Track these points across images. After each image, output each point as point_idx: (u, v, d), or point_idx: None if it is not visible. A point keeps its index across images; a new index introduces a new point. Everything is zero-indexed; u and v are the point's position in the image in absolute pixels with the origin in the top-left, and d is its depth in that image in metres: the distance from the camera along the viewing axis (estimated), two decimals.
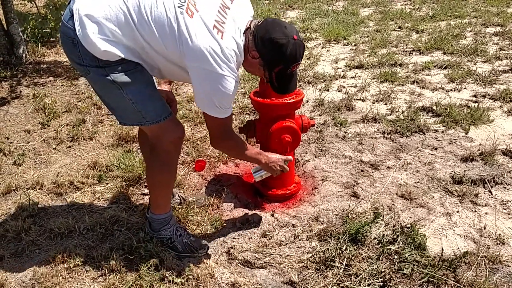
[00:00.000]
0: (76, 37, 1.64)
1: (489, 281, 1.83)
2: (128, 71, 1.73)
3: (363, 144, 3.03)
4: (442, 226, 2.21)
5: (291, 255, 2.04)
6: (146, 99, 1.81)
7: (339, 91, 3.94)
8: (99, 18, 1.63)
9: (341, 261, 1.95)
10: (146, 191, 2.56)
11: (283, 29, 1.77)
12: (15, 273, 1.99)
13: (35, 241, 2.17)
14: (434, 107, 3.44)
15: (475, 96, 3.69)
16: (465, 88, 3.87)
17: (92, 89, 1.90)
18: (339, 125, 3.28)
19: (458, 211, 2.33)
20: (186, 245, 2.06)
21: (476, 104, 3.46)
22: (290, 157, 2.24)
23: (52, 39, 4.89)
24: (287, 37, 1.76)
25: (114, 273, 1.93)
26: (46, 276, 1.92)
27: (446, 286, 1.83)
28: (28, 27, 4.59)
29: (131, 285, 1.87)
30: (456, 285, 1.83)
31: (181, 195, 2.44)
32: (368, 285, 1.84)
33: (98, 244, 2.13)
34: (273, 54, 1.78)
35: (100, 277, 1.94)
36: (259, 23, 1.81)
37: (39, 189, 2.58)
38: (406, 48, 5.08)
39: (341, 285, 1.85)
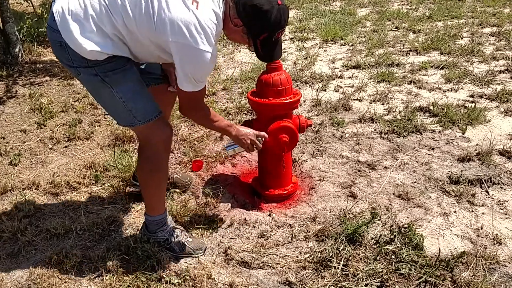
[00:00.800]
0: (62, 39, 1.65)
1: (486, 281, 1.83)
2: (117, 69, 1.73)
3: (360, 144, 3.03)
4: (439, 226, 2.22)
5: (288, 256, 2.04)
6: (136, 97, 1.80)
7: (336, 91, 3.94)
8: (78, 13, 1.63)
9: (338, 261, 1.95)
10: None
11: None
12: (11, 274, 1.98)
13: (31, 241, 2.16)
14: (431, 107, 3.45)
15: (472, 96, 3.70)
16: (462, 88, 3.87)
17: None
18: (336, 125, 3.29)
19: (455, 211, 2.33)
20: (183, 246, 2.05)
21: (473, 104, 3.46)
22: (263, 133, 2.17)
23: (48, 38, 4.87)
24: (271, 3, 1.71)
25: (111, 274, 1.93)
26: (42, 277, 1.91)
27: (443, 286, 1.83)
28: (24, 26, 4.57)
29: (128, 285, 1.86)
30: (453, 285, 1.83)
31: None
32: (366, 285, 1.84)
33: (94, 245, 2.12)
34: (257, 22, 1.74)
35: (96, 278, 1.93)
36: None
37: (35, 189, 2.56)
38: (403, 48, 5.09)
39: (338, 285, 1.85)
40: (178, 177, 2.54)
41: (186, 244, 2.05)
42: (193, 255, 2.04)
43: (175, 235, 2.06)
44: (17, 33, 4.09)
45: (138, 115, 1.81)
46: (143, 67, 2.07)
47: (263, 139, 2.18)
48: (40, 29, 4.70)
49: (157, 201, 2.02)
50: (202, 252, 2.06)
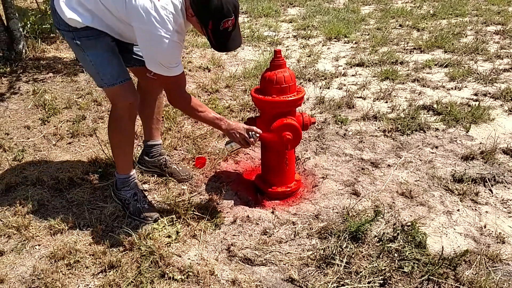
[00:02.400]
0: (54, 5, 1.98)
1: (489, 279, 1.83)
2: (91, 36, 2.00)
3: (364, 142, 3.03)
4: (442, 225, 2.21)
5: (291, 253, 2.04)
6: (104, 62, 2.06)
7: (339, 89, 3.93)
8: None
9: (341, 259, 1.95)
10: (145, 187, 2.56)
11: None
12: (15, 269, 1.99)
13: (35, 237, 2.17)
14: (435, 106, 3.44)
15: (475, 94, 3.69)
16: (466, 86, 3.86)
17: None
18: (339, 123, 3.28)
19: (458, 210, 2.33)
20: (137, 209, 2.27)
21: (477, 103, 3.45)
22: (255, 128, 2.20)
23: (52, 35, 4.87)
24: None
25: (114, 270, 1.93)
26: (46, 272, 1.92)
27: (446, 284, 1.83)
28: (28, 22, 4.57)
29: (131, 281, 1.87)
30: (456, 283, 1.83)
31: (167, 159, 2.65)
32: (368, 283, 1.84)
33: (98, 241, 2.13)
34: (201, 10, 1.88)
35: (100, 274, 1.94)
36: None
37: (39, 185, 2.57)
38: (407, 46, 5.07)
39: (341, 282, 1.85)
40: (177, 169, 2.64)
41: (140, 208, 2.27)
42: (143, 221, 2.24)
43: (135, 198, 2.30)
44: (21, 29, 4.09)
45: (105, 78, 2.07)
46: (132, 48, 2.29)
47: (256, 134, 2.20)
48: (43, 26, 4.70)
49: (121, 161, 2.30)
50: (152, 220, 2.23)
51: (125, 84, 2.10)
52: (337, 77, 4.22)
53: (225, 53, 4.52)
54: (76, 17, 1.94)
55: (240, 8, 1.95)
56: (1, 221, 2.28)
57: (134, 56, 2.29)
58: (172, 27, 1.87)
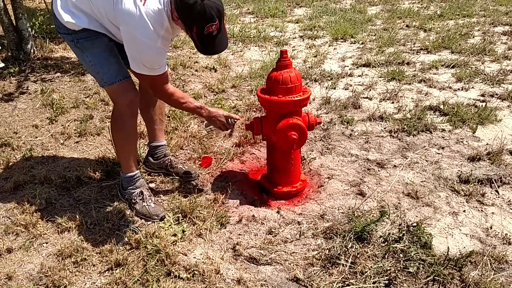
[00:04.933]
0: (53, 9, 2.06)
1: (494, 280, 1.82)
2: (88, 37, 2.06)
3: (370, 143, 3.02)
4: (448, 225, 2.21)
5: (296, 252, 2.05)
6: (103, 61, 2.11)
7: (346, 89, 3.93)
8: None
9: (346, 259, 1.95)
10: (152, 185, 2.58)
11: None
12: (23, 266, 2.01)
13: (43, 235, 2.19)
14: (442, 106, 3.43)
15: (482, 95, 3.67)
16: (472, 87, 3.85)
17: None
18: (345, 123, 3.28)
19: (464, 211, 2.32)
20: (144, 209, 2.30)
21: (483, 104, 3.44)
22: (234, 115, 2.33)
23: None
24: None
25: (121, 268, 1.95)
26: (53, 270, 1.94)
27: (452, 285, 1.83)
28: (37, 23, 4.61)
29: (138, 279, 1.88)
30: (461, 284, 1.83)
31: (172, 159, 2.68)
32: (374, 283, 1.84)
33: (105, 239, 2.15)
34: (185, 15, 1.91)
35: (106, 271, 1.96)
36: None
37: (47, 184, 2.60)
38: (414, 47, 5.06)
39: (346, 282, 1.86)
40: (183, 168, 2.65)
41: (147, 207, 2.30)
42: (149, 219, 2.27)
43: (141, 197, 2.33)
44: (29, 29, 4.13)
45: (105, 77, 2.13)
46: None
47: (234, 120, 2.33)
48: (52, 26, 4.73)
49: (125, 160, 2.33)
50: (158, 219, 2.27)
51: (124, 82, 2.15)
52: (343, 77, 4.21)
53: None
54: (73, 20, 2.00)
55: (224, 11, 2.00)
56: (10, 219, 2.31)
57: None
58: (157, 33, 1.91)
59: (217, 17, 1.91)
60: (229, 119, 2.32)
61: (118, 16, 1.92)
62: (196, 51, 4.89)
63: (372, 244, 2.04)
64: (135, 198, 2.34)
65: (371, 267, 1.91)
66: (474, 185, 2.50)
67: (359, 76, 4.26)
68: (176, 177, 2.63)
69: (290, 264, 1.98)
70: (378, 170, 2.71)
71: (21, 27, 4.03)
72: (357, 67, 4.48)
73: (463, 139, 3.01)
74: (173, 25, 1.99)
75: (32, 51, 4.19)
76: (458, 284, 1.83)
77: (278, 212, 2.34)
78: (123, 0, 1.88)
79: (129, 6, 1.87)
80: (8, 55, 4.12)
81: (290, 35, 5.79)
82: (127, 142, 2.30)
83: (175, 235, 2.15)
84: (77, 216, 2.29)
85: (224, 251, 2.07)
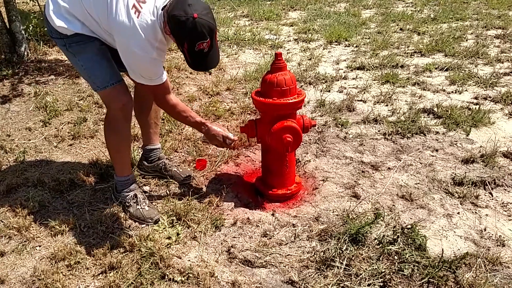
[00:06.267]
0: (45, 14, 2.05)
1: (489, 282, 1.83)
2: (80, 42, 2.05)
3: (364, 145, 3.03)
4: (442, 227, 2.22)
5: (291, 255, 2.04)
6: (95, 65, 2.11)
7: (340, 92, 3.94)
8: None
9: (341, 261, 1.95)
10: (146, 188, 2.57)
11: (185, 6, 1.85)
12: (16, 270, 1.99)
13: (36, 238, 2.17)
14: (435, 109, 3.45)
15: (476, 98, 3.70)
16: (466, 90, 3.87)
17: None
18: (340, 126, 3.29)
19: (458, 213, 2.33)
20: (138, 212, 2.29)
21: (477, 106, 3.46)
22: (232, 136, 2.32)
23: None
24: (187, 15, 1.84)
25: (115, 271, 1.94)
26: (46, 273, 1.92)
27: (446, 287, 1.83)
28: (30, 25, 4.59)
29: (132, 282, 1.87)
30: (456, 286, 1.83)
31: (166, 162, 2.66)
32: (368, 285, 1.84)
33: (98, 242, 2.13)
34: (176, 31, 1.90)
35: (100, 275, 1.95)
36: (172, 0, 1.91)
37: (40, 186, 2.58)
38: (408, 50, 5.09)
39: (341, 285, 1.85)
40: (177, 171, 2.65)
41: (140, 210, 2.29)
42: (144, 222, 2.26)
43: (135, 201, 2.32)
44: (23, 32, 4.11)
45: (97, 82, 2.12)
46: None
47: (230, 141, 2.33)
48: (45, 28, 4.72)
49: (119, 163, 2.34)
50: (152, 222, 2.25)
51: (117, 86, 2.14)
52: (338, 80, 4.23)
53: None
54: (65, 25, 2.00)
55: (216, 29, 1.98)
56: (2, 222, 2.29)
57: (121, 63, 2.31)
58: (151, 44, 1.92)
59: (209, 35, 1.90)
60: (227, 140, 2.31)
61: (112, 26, 1.93)
62: None
63: (366, 247, 2.04)
64: (129, 201, 2.33)
65: (365, 269, 1.91)
66: (468, 187, 2.51)
67: (353, 79, 4.27)
68: (171, 180, 2.62)
69: (285, 266, 1.97)
70: (373, 173, 2.71)
71: (14, 30, 4.01)
72: (352, 70, 4.50)
73: (457, 141, 3.03)
74: (167, 37, 1.99)
75: (25, 53, 4.17)
76: (452, 286, 1.83)
77: (273, 214, 2.33)
78: (118, 11, 1.88)
79: (123, 18, 1.88)
80: (2, 57, 4.09)
81: (285, 38, 5.80)
82: (121, 146, 2.29)
83: (169, 238, 2.14)
84: (71, 219, 2.27)
85: (219, 254, 2.07)
